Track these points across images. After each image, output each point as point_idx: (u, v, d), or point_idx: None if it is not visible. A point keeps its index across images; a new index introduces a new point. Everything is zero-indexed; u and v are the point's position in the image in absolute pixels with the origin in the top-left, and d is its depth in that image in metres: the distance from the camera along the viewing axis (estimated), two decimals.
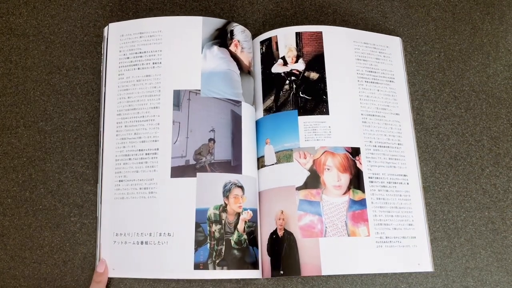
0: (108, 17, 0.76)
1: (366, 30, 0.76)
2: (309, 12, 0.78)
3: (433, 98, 0.75)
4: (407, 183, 0.68)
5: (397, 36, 0.76)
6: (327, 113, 0.68)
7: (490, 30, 0.79)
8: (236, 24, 0.70)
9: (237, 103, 0.67)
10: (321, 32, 0.72)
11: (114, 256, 0.63)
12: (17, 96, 0.71)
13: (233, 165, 0.64)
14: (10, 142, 0.69)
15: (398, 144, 0.69)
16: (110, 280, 0.64)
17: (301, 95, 0.69)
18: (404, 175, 0.68)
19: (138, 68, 0.68)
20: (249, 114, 0.68)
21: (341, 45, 0.72)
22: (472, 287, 0.66)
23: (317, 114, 0.68)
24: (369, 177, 0.66)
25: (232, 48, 0.69)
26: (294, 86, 0.69)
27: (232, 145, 0.65)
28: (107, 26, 0.70)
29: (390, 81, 0.72)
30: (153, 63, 0.67)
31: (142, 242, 0.62)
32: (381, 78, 0.72)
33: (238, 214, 0.63)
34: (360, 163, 0.67)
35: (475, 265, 0.67)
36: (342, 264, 0.62)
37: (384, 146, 0.69)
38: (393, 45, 0.75)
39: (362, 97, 0.70)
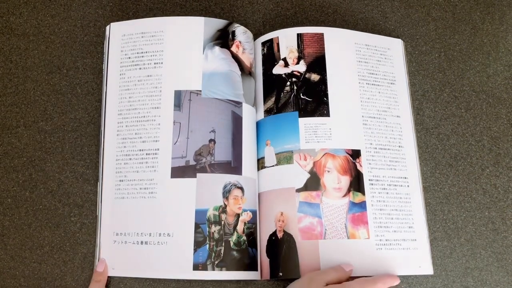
0: (108, 17, 0.75)
1: (366, 30, 0.76)
2: (310, 12, 0.78)
3: (433, 98, 0.75)
4: (408, 186, 0.68)
5: (398, 36, 0.76)
6: (327, 115, 0.68)
7: (490, 30, 0.79)
8: (238, 25, 0.70)
9: (238, 104, 0.67)
10: (322, 34, 0.72)
11: (114, 255, 0.63)
12: (17, 96, 0.71)
13: (233, 166, 0.64)
14: (10, 142, 0.69)
15: (399, 146, 0.69)
16: (110, 279, 0.64)
17: (302, 96, 0.68)
18: (405, 178, 0.68)
19: (140, 68, 0.68)
20: (250, 115, 0.68)
21: (343, 47, 0.72)
22: (472, 287, 0.66)
23: (318, 116, 0.68)
24: (369, 180, 0.66)
25: (233, 49, 0.69)
26: (295, 87, 0.69)
27: (232, 146, 0.65)
28: (108, 26, 0.70)
29: (391, 83, 0.72)
30: (155, 63, 0.67)
31: (141, 242, 0.62)
32: (382, 80, 0.72)
33: (238, 215, 0.63)
34: (361, 165, 0.66)
35: (475, 265, 0.67)
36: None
37: (385, 149, 0.68)
38: (394, 47, 0.74)
39: (363, 99, 0.70)
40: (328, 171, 0.65)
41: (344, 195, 0.65)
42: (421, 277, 0.66)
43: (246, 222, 0.63)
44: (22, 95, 0.71)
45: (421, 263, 0.64)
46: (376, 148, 0.68)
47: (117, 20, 0.71)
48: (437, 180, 0.71)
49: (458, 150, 0.72)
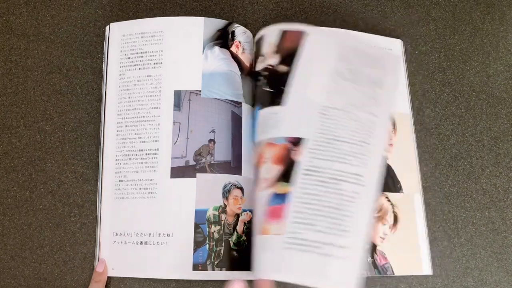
0: (108, 17, 0.75)
1: (366, 30, 0.76)
2: (310, 12, 0.78)
3: (433, 98, 0.75)
4: (362, 185, 0.58)
5: (397, 37, 0.75)
6: (283, 104, 0.61)
7: (490, 30, 0.79)
8: (238, 25, 0.70)
9: (238, 104, 0.67)
10: (305, 32, 0.65)
11: (113, 255, 0.63)
12: (17, 96, 0.71)
13: (233, 166, 0.64)
14: (10, 142, 0.69)
15: (363, 142, 0.60)
16: (109, 279, 0.64)
17: (265, 89, 0.64)
18: (358, 175, 0.59)
19: (139, 68, 0.68)
20: (250, 115, 0.68)
21: (324, 45, 0.65)
22: (472, 287, 0.66)
23: (274, 106, 0.62)
24: (305, 169, 0.58)
25: (233, 49, 0.69)
26: (265, 81, 0.65)
27: (232, 146, 0.65)
28: (108, 26, 0.70)
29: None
30: (154, 63, 0.67)
31: (141, 242, 0.62)
32: (366, 80, 0.64)
33: (238, 215, 0.63)
34: (299, 154, 0.59)
35: (475, 265, 0.67)
36: (257, 266, 0.58)
37: (340, 141, 0.60)
38: (392, 47, 0.73)
39: (331, 92, 0.62)
40: (264, 162, 0.60)
41: (271, 186, 0.58)
42: (421, 277, 0.66)
43: (246, 222, 0.63)
44: (22, 95, 0.71)
45: (341, 277, 0.54)
46: (328, 138, 0.60)
47: (117, 20, 0.71)
48: (437, 180, 0.71)
49: (458, 150, 0.72)
